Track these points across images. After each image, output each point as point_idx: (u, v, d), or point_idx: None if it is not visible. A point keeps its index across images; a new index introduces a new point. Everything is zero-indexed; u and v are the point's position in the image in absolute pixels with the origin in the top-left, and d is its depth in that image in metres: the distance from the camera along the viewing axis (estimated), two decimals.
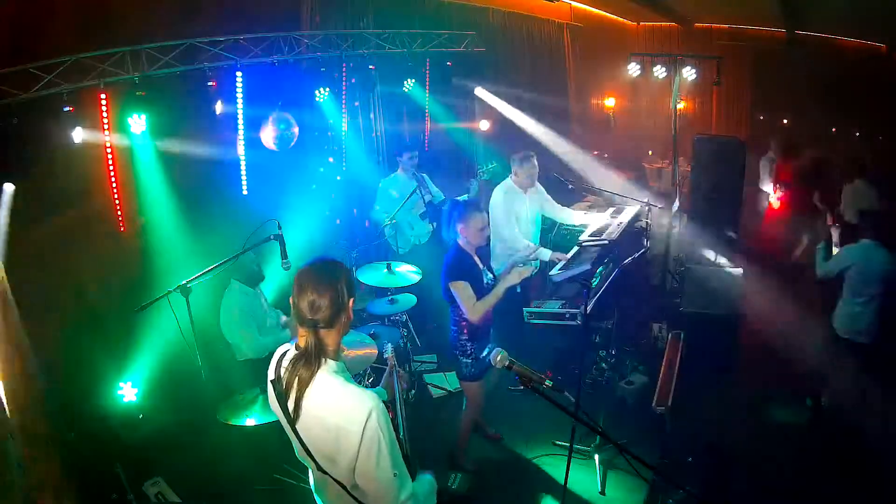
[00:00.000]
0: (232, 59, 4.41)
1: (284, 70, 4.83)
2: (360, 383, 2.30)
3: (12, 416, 2.52)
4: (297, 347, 1.85)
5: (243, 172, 4.83)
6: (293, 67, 4.94)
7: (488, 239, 3.67)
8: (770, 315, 5.33)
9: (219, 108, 4.48)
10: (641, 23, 10.84)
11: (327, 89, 5.24)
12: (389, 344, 2.65)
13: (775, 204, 6.97)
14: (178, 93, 4.15)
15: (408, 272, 4.67)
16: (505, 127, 8.15)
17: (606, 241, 4.86)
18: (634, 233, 5.44)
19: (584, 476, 3.76)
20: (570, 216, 5.24)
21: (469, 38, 6.71)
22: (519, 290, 3.59)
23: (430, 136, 6.77)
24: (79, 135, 3.61)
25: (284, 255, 3.55)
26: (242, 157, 4.79)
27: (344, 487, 1.82)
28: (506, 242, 4.76)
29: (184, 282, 3.32)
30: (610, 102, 10.71)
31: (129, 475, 3.35)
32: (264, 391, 2.91)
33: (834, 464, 3.79)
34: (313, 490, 2.09)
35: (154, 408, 3.95)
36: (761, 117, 10.24)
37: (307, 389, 1.79)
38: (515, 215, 4.75)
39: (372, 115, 6.19)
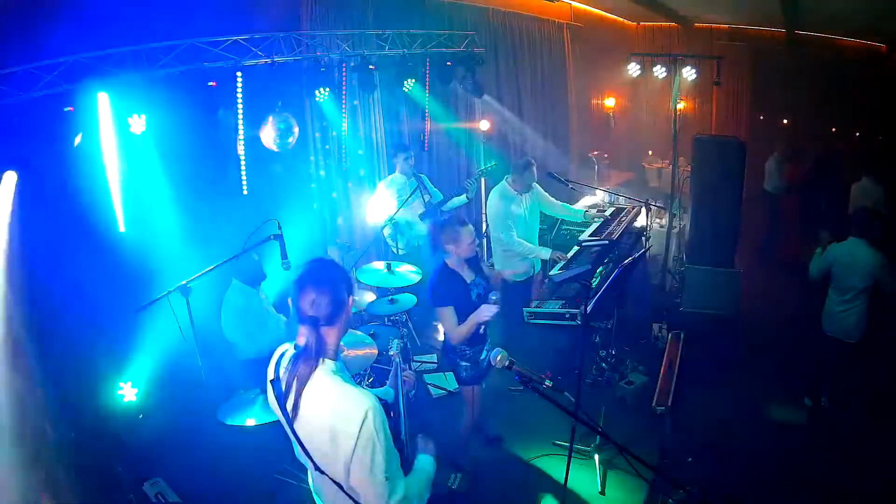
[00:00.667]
0: (232, 60, 4.42)
1: (284, 70, 4.83)
2: (359, 383, 2.30)
3: (12, 417, 2.52)
4: (296, 346, 1.86)
5: (243, 172, 4.83)
6: (293, 67, 4.94)
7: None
8: (770, 315, 5.34)
9: (218, 108, 4.48)
10: (641, 23, 10.83)
11: (327, 89, 5.24)
12: (396, 340, 2.57)
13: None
14: (178, 92, 4.15)
15: (408, 272, 4.67)
16: (505, 127, 8.16)
17: (606, 241, 4.87)
18: (634, 233, 5.45)
19: (584, 476, 3.76)
20: (570, 209, 5.29)
21: (469, 38, 6.72)
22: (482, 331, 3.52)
23: (430, 136, 6.77)
24: (79, 135, 3.60)
25: (284, 255, 3.55)
26: (242, 157, 4.79)
27: (340, 487, 1.82)
28: (504, 245, 4.79)
29: (184, 282, 3.32)
30: (610, 102, 10.72)
31: (129, 475, 3.35)
32: (264, 391, 2.90)
33: (833, 463, 3.78)
34: (312, 490, 2.09)
35: (154, 408, 3.95)
36: (761, 117, 10.23)
37: (305, 389, 1.80)
38: (513, 219, 4.79)
39: (372, 116, 6.20)
